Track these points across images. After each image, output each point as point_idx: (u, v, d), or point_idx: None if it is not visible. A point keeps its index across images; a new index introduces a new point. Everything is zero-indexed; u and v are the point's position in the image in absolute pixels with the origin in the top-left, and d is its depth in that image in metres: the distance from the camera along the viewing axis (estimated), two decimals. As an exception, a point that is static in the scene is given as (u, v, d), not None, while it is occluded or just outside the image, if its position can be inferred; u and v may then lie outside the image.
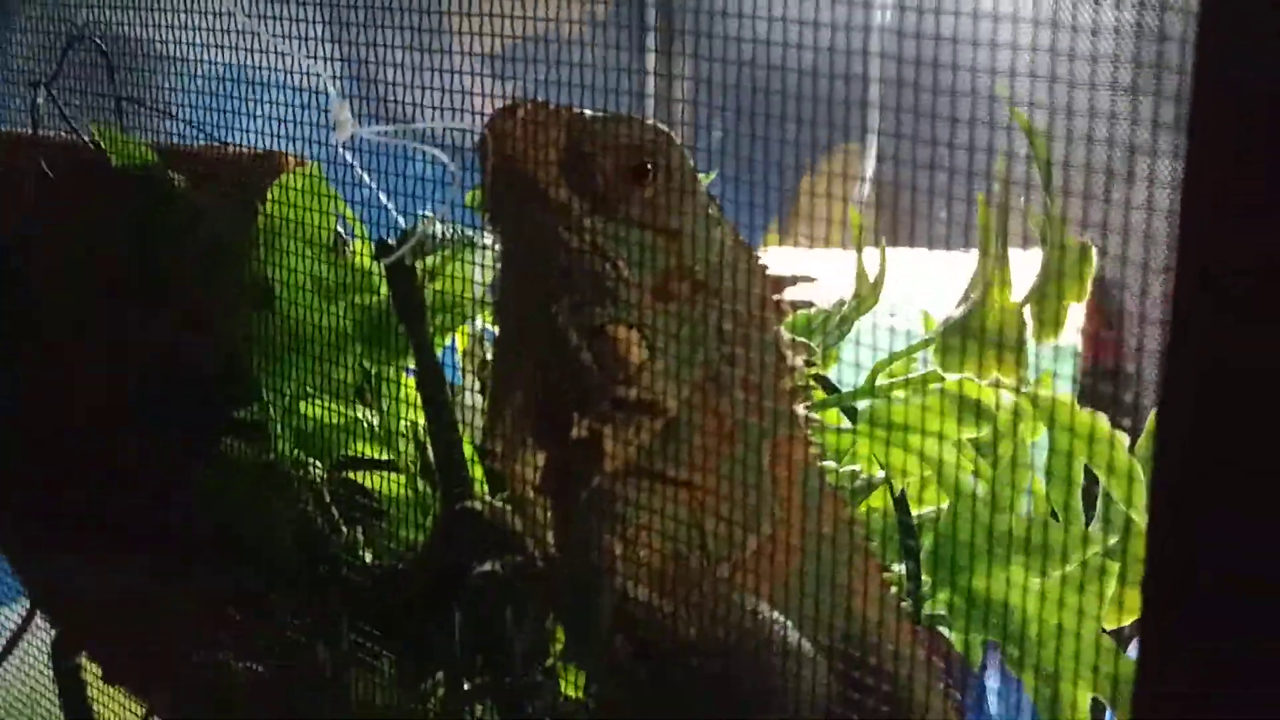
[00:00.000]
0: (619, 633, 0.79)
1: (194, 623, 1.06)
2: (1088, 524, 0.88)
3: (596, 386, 0.80)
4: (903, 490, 0.92)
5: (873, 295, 0.89)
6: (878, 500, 0.94)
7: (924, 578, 0.92)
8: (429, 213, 0.87)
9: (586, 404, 0.80)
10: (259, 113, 0.97)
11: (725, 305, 0.80)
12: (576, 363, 0.80)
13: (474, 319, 0.92)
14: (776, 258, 1.04)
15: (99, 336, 1.08)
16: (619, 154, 0.79)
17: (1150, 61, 0.58)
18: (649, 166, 0.80)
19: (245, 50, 0.98)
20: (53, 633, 1.24)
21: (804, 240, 0.92)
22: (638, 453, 0.80)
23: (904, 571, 0.92)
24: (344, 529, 0.93)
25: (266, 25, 0.95)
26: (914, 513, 0.93)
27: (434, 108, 0.87)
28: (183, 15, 1.03)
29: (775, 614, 0.78)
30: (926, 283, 0.96)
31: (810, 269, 0.93)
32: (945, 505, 0.91)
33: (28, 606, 1.25)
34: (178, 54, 1.07)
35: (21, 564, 1.26)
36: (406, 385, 0.93)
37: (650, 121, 0.80)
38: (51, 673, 1.24)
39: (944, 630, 0.93)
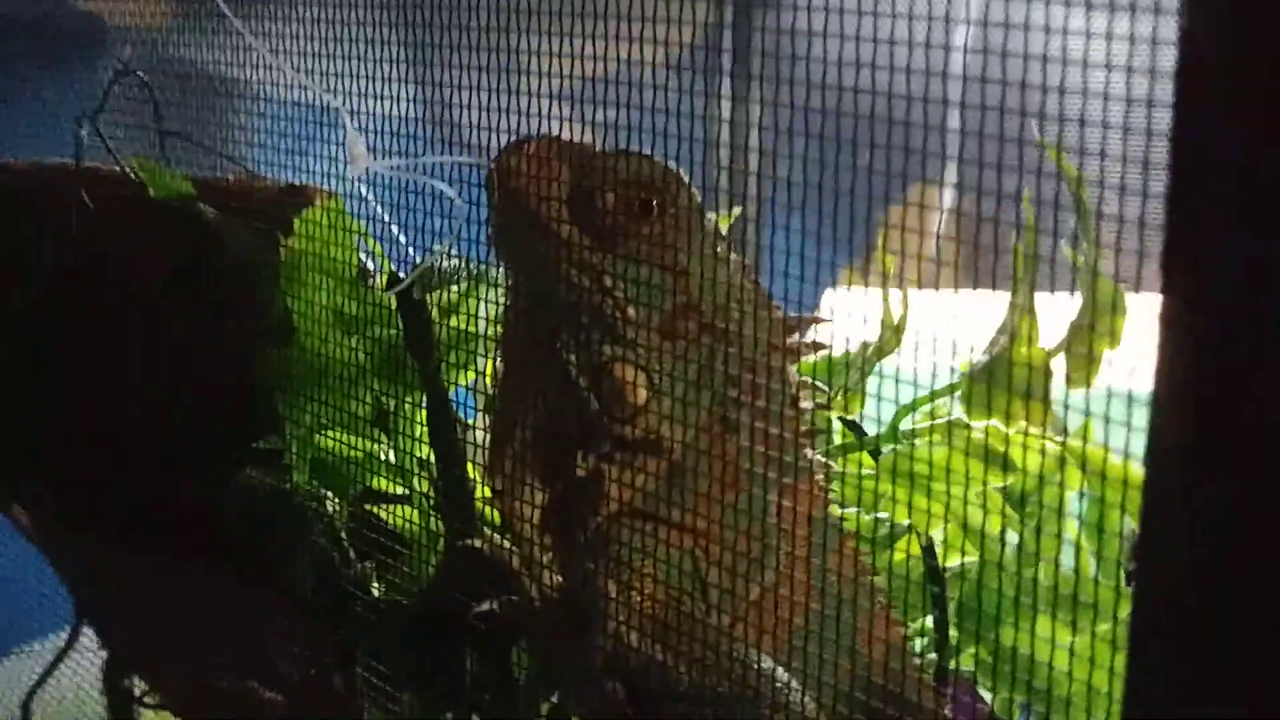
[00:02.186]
0: (612, 677, 0.77)
1: (227, 647, 1.07)
2: (1130, 579, 0.84)
3: (598, 425, 0.79)
4: (929, 538, 0.88)
5: (895, 338, 0.86)
6: (915, 547, 0.91)
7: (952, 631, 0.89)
8: (438, 246, 0.87)
9: (588, 442, 0.79)
10: (313, 149, 0.98)
11: (733, 345, 0.78)
12: (579, 400, 0.79)
13: (487, 354, 0.91)
14: (852, 298, 1.01)
15: (149, 360, 1.09)
16: (623, 189, 0.78)
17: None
18: (653, 203, 0.78)
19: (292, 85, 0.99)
20: (104, 654, 1.26)
21: (877, 279, 0.90)
22: (639, 494, 0.79)
23: (931, 622, 0.89)
24: (355, 562, 0.93)
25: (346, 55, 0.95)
26: (948, 563, 0.90)
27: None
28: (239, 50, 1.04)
29: (774, 666, 0.76)
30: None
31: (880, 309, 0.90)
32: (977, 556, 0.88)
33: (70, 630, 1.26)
34: (234, 90, 1.09)
35: (77, 587, 1.28)
36: (420, 420, 0.92)
37: (657, 158, 0.79)
38: (102, 693, 1.26)
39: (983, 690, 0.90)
